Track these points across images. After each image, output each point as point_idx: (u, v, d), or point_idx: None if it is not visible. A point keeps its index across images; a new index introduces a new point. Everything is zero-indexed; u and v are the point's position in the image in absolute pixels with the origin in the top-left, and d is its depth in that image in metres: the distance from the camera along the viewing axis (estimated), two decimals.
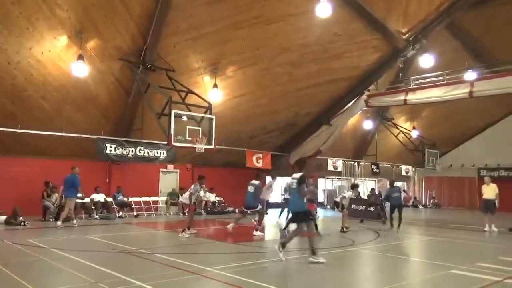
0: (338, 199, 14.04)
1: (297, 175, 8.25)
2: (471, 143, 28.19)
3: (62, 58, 12.91)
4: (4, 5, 11.00)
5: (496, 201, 13.48)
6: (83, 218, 15.00)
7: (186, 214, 11.55)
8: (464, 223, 16.53)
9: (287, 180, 13.37)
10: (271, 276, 6.98)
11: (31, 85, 13.15)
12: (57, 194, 14.76)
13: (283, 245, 7.86)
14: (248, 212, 12.12)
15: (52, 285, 6.21)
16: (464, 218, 19.05)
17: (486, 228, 13.54)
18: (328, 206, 25.20)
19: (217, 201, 19.23)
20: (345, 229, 12.57)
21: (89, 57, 13.09)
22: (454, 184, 28.98)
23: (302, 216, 8.05)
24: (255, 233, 11.64)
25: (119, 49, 13.54)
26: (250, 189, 11.90)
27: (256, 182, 11.98)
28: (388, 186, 14.65)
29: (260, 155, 20.41)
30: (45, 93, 13.61)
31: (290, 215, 8.46)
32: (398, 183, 30.58)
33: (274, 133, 20.72)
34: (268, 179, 15.51)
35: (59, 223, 12.72)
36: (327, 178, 25.97)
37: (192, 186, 11.69)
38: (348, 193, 13.41)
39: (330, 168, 23.82)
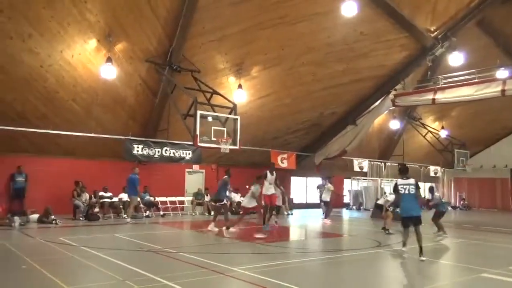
0: (381, 202, 14.63)
1: (412, 180, 8.54)
2: (503, 143, 27.30)
3: (92, 61, 13.23)
4: (36, 9, 11.35)
5: None
6: (112, 217, 15.33)
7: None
8: (496, 225, 16.02)
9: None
10: (295, 276, 6.95)
11: (62, 87, 13.52)
12: (87, 194, 15.14)
13: (421, 249, 8.31)
14: (216, 205, 12.62)
15: (81, 282, 6.37)
16: (496, 220, 18.47)
17: None
18: (354, 207, 24.91)
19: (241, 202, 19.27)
20: (387, 231, 12.63)
21: (117, 60, 13.36)
22: (485, 185, 28.09)
23: (420, 219, 8.55)
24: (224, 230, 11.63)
25: (146, 51, 13.76)
26: (219, 183, 12.62)
27: (224, 177, 12.53)
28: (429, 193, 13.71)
29: (285, 155, 20.36)
30: (75, 95, 13.98)
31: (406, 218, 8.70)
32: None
33: (298, 133, 20.63)
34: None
35: (128, 219, 14.49)
36: (353, 178, 25.66)
37: (252, 187, 12.28)
38: (391, 197, 13.34)
39: (356, 168, 23.50)
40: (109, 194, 15.70)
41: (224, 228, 11.62)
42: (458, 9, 16.82)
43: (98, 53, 13.09)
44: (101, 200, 15.36)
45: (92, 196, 15.29)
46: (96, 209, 15.08)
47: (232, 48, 14.64)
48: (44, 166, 15.15)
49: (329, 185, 16.93)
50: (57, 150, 15.44)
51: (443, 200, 14.02)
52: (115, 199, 15.86)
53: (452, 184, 29.73)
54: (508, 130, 26.84)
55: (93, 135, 14.74)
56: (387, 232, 12.56)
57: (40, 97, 13.56)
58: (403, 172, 8.72)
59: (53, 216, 13.29)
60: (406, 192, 8.41)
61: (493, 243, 11.44)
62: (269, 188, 12.36)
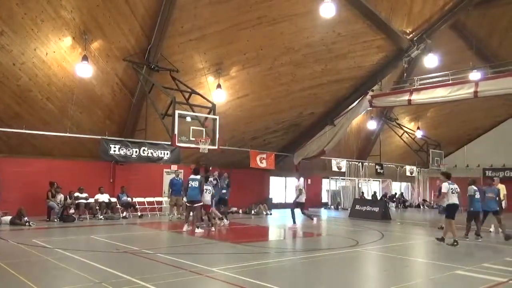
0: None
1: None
2: (476, 143, 28.10)
3: (67, 59, 12.96)
4: (9, 6, 11.05)
5: (503, 202, 13.38)
6: (88, 218, 15.04)
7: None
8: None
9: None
10: (275, 276, 6.97)
11: (36, 86, 13.21)
12: (62, 195, 14.81)
13: None
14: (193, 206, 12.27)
15: (56, 285, 6.22)
16: None
17: (492, 229, 13.45)
18: (332, 207, 25.16)
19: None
20: (454, 242, 10.32)
21: (93, 58, 13.14)
22: (459, 185, 28.55)
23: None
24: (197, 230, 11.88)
25: (123, 49, 13.57)
26: (194, 184, 12.03)
27: (198, 177, 12.24)
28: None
29: (264, 156, 20.41)
30: (49, 94, 13.67)
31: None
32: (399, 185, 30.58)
33: (277, 133, 20.71)
34: None
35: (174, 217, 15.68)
36: (331, 178, 25.93)
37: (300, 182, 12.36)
38: (445, 185, 10.58)
39: (334, 168, 23.79)
40: (84, 195, 15.38)
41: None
42: (433, 12, 17.24)
43: (73, 51, 12.83)
44: (77, 201, 15.04)
45: (67, 197, 14.96)
46: (72, 210, 14.76)
47: (211, 47, 14.59)
48: (17, 166, 14.75)
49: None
50: (31, 150, 15.05)
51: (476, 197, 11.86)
52: (91, 200, 15.55)
53: (428, 184, 30.34)
54: (480, 131, 27.64)
55: (68, 134, 14.46)
56: (453, 243, 10.33)
57: (13, 96, 13.21)
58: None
59: (26, 218, 12.93)
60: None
61: (466, 241, 11.72)
62: None
